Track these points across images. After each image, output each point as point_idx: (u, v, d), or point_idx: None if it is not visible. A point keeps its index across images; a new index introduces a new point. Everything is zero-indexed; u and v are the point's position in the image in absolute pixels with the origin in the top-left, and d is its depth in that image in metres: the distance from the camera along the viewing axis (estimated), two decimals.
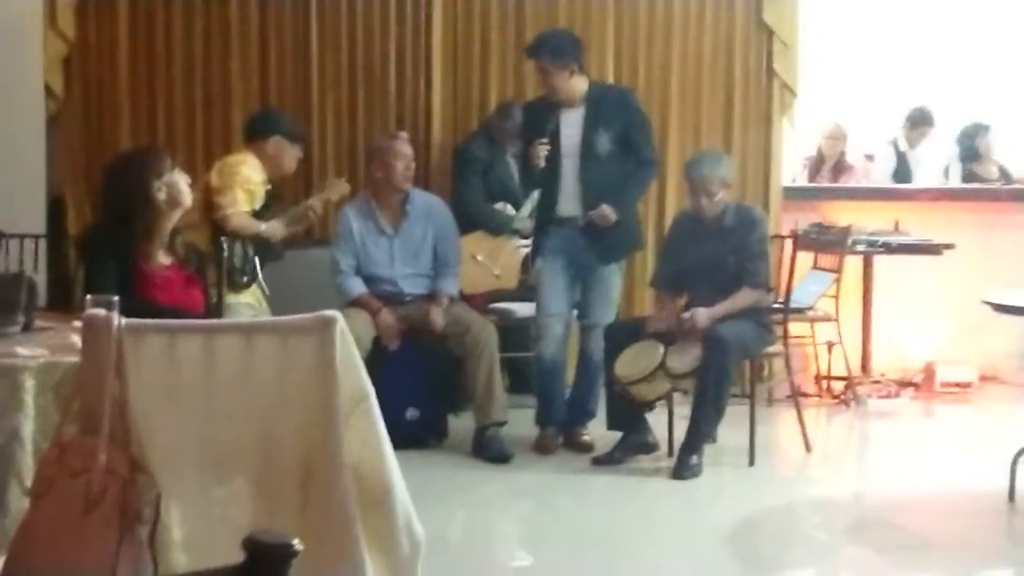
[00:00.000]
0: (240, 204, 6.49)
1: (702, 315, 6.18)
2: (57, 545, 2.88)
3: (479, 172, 7.75)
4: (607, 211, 6.49)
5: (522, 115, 7.11)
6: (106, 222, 4.85)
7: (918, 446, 7.16)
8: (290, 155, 6.83)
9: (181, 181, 4.79)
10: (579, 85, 6.60)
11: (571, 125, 6.59)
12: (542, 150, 6.55)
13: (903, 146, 9.39)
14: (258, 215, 6.59)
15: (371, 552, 2.98)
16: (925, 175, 9.37)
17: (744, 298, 6.27)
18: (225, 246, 6.35)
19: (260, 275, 6.61)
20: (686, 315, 6.24)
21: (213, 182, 6.54)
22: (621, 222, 6.58)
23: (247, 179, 6.55)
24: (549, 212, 6.73)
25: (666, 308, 6.48)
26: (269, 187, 6.71)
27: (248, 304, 6.50)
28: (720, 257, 6.30)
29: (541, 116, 6.67)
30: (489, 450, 6.52)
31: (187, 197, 4.83)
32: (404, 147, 6.89)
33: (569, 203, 6.63)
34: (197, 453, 3.02)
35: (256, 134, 6.79)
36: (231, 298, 6.34)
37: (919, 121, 9.36)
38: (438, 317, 6.70)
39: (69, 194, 8.02)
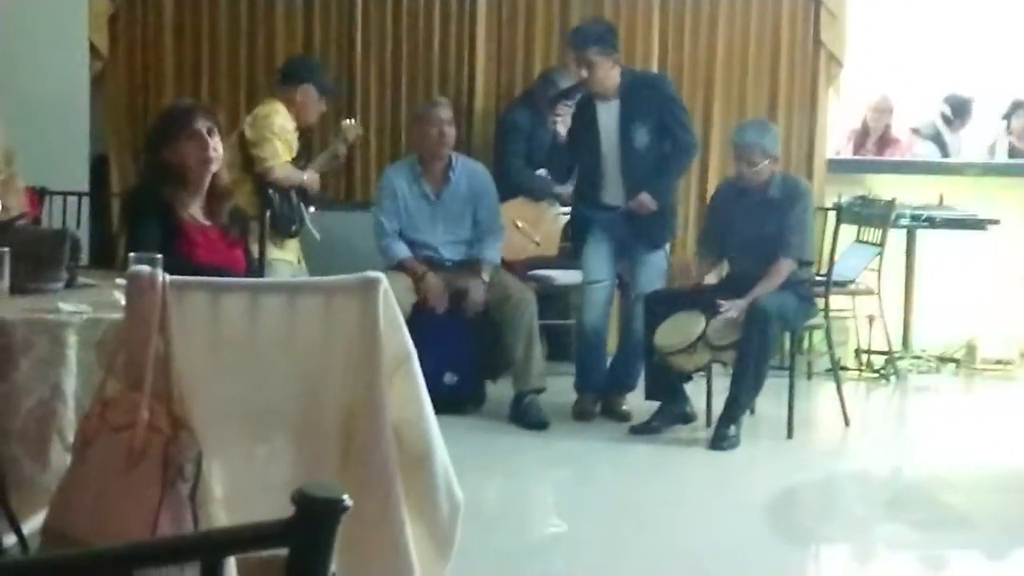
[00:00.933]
0: (281, 154, 6.50)
1: (734, 311, 6.13)
2: (99, 500, 2.89)
3: (521, 139, 7.73)
4: (646, 200, 6.51)
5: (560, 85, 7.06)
6: (148, 180, 4.84)
7: (958, 422, 7.12)
8: (316, 106, 6.83)
9: (196, 150, 4.63)
10: (616, 76, 6.58)
11: (609, 118, 6.58)
12: (565, 113, 6.54)
13: (945, 136, 9.24)
14: (293, 162, 6.63)
15: (411, 512, 2.98)
16: (967, 154, 9.24)
17: (779, 273, 6.22)
18: (273, 196, 6.40)
19: (308, 220, 6.65)
20: (722, 307, 6.18)
21: (248, 136, 6.54)
22: (664, 207, 6.62)
23: (282, 128, 6.56)
24: (593, 201, 6.72)
25: (702, 275, 6.48)
26: (298, 134, 6.73)
27: (288, 262, 6.54)
28: (764, 228, 6.26)
29: (575, 93, 6.68)
30: (527, 417, 6.52)
31: (204, 164, 4.65)
32: (440, 113, 6.86)
33: (613, 194, 6.64)
34: (239, 411, 3.02)
35: (289, 80, 6.79)
36: (275, 253, 6.39)
37: (958, 111, 9.20)
38: (479, 292, 6.69)
39: (113, 152, 8.08)
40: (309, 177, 6.67)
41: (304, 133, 6.97)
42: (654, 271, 6.70)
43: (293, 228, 6.58)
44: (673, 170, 6.74)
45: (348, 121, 7.13)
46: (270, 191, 6.48)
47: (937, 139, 9.16)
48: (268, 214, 6.30)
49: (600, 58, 6.48)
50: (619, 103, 6.56)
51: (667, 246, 6.87)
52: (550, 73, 7.79)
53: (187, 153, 4.60)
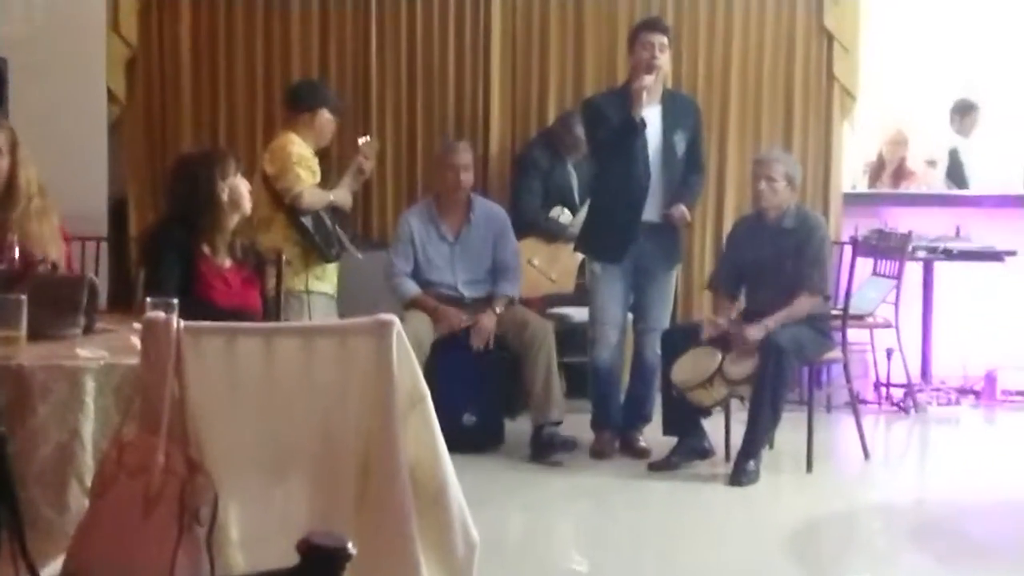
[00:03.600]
0: (306, 180, 6.53)
1: (754, 330, 6.14)
2: (116, 544, 2.91)
3: (539, 177, 7.75)
4: (686, 212, 6.51)
5: (593, 110, 6.67)
6: (168, 221, 4.91)
7: (979, 453, 7.10)
8: (332, 126, 6.83)
9: (243, 186, 4.89)
10: None
11: (653, 123, 6.47)
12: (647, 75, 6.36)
13: (960, 145, 9.24)
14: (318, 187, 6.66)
15: (426, 553, 2.98)
16: (982, 176, 9.22)
17: (801, 306, 6.21)
18: (309, 224, 6.43)
19: (347, 241, 6.65)
20: (738, 329, 6.19)
21: (269, 171, 6.56)
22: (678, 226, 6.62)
23: (300, 156, 6.58)
24: (632, 219, 6.48)
25: (721, 313, 6.43)
26: (317, 159, 6.75)
27: (327, 295, 6.57)
28: (779, 260, 6.26)
29: (620, 106, 6.44)
30: (551, 446, 6.51)
31: (247, 202, 4.90)
32: (458, 158, 6.89)
33: (653, 208, 6.52)
34: (255, 453, 3.04)
35: (302, 105, 6.78)
36: (314, 285, 6.45)
37: (964, 110, 9.24)
38: (489, 321, 6.69)
39: (131, 196, 8.13)
40: (338, 196, 6.67)
41: (322, 156, 6.95)
42: (667, 297, 6.69)
43: (334, 252, 6.59)
44: (696, 188, 6.77)
45: (364, 138, 7.08)
46: (303, 220, 6.49)
47: (954, 160, 9.16)
48: (307, 242, 6.43)
49: (667, 45, 6.50)
50: (660, 108, 6.52)
51: (676, 271, 6.85)
52: (569, 116, 7.77)
53: (243, 193, 4.87)
